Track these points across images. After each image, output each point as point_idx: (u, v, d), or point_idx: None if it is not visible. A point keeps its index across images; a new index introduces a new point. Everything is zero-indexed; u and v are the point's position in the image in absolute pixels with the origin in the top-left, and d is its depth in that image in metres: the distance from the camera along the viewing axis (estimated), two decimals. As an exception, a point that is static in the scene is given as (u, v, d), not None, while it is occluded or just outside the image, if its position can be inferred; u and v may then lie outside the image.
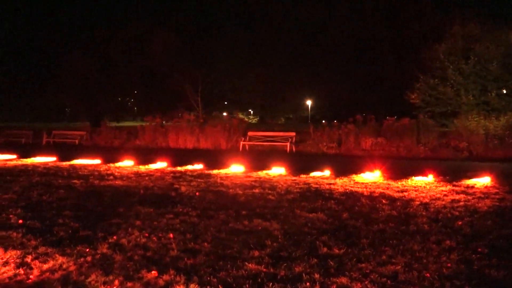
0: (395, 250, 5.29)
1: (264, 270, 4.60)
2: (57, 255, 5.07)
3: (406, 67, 35.76)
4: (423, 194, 9.01)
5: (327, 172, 12.34)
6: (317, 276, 4.42)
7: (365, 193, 9.15)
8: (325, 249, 5.29)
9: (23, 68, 46.59)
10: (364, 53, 52.68)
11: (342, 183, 10.50)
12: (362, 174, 11.94)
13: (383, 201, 8.30)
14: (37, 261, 4.90)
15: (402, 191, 9.36)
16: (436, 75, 28.02)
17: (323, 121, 60.39)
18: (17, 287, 4.21)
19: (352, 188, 9.79)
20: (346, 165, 14.07)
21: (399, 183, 10.54)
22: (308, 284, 4.24)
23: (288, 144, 19.20)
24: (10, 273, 4.54)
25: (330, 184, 10.40)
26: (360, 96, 53.24)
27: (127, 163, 15.00)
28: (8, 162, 15.67)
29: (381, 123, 20.43)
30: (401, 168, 13.14)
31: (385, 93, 48.10)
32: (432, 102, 28.23)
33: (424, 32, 39.51)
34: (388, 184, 10.39)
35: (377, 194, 9.02)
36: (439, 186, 10.03)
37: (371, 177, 11.48)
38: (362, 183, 10.59)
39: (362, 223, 6.57)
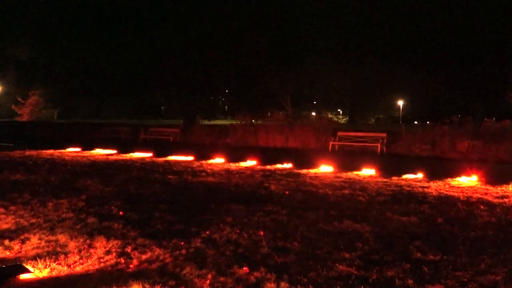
0: (495, 259, 5.02)
1: (355, 272, 4.54)
2: (154, 247, 5.33)
3: (506, 66, 33.67)
4: (526, 201, 8.46)
5: (420, 175, 11.93)
6: (410, 282, 4.30)
7: (461, 198, 8.74)
8: (418, 254, 5.13)
9: (123, 69, 49.31)
10: (461, 51, 50.22)
11: (436, 187, 10.10)
12: (458, 178, 11.41)
13: (481, 207, 7.88)
14: (136, 251, 5.18)
15: (502, 197, 8.84)
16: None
17: (415, 122, 58.34)
18: (118, 275, 4.47)
19: (447, 192, 9.39)
20: (441, 168, 13.51)
21: (498, 188, 9.96)
22: (400, 289, 4.14)
23: (378, 145, 18.75)
24: (112, 262, 4.84)
25: (424, 187, 10.05)
26: (456, 96, 50.89)
27: (218, 161, 15.41)
28: (109, 157, 16.66)
29: (478, 124, 19.38)
30: (501, 173, 12.39)
31: (482, 94, 45.63)
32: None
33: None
34: (487, 189, 9.85)
35: (474, 200, 8.59)
36: (545, 194, 9.36)
37: (468, 181, 10.95)
38: (458, 187, 10.12)
39: (458, 229, 6.29)
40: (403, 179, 11.34)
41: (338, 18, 53.38)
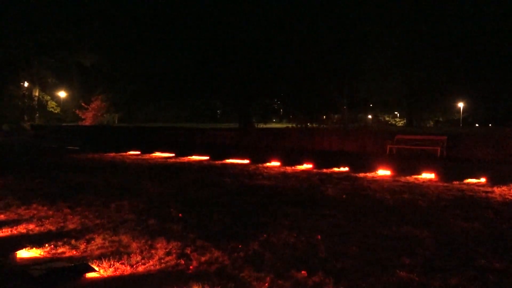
0: None
1: (416, 279, 4.43)
2: (212, 249, 5.40)
3: None
4: None
5: (482, 179, 11.50)
6: (475, 290, 4.16)
7: (529, 204, 8.37)
8: (483, 262, 4.95)
9: (182, 73, 50.17)
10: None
11: (500, 192, 9.71)
12: (524, 183, 10.92)
13: (551, 213, 7.52)
14: (195, 253, 5.28)
15: None
16: None
17: (476, 125, 56.28)
18: (179, 276, 4.57)
19: (512, 198, 9.01)
20: (505, 172, 12.97)
21: None
22: (464, 298, 4.01)
23: (438, 148, 18.22)
24: (173, 263, 4.95)
25: (487, 192, 9.67)
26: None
27: (274, 164, 15.44)
28: (168, 160, 17.05)
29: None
30: None
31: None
32: None
33: None
34: (556, 195, 9.38)
35: (542, 206, 8.20)
36: None
37: (535, 187, 10.45)
38: (525, 192, 9.69)
39: (526, 237, 6.03)
40: (464, 184, 10.97)
41: (396, 18, 52.29)
